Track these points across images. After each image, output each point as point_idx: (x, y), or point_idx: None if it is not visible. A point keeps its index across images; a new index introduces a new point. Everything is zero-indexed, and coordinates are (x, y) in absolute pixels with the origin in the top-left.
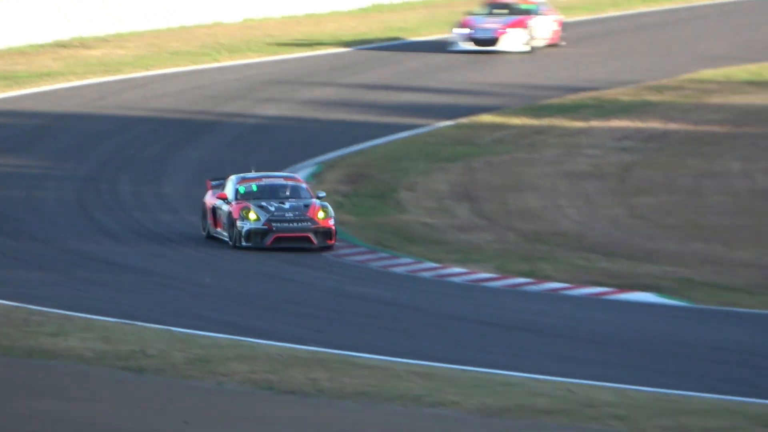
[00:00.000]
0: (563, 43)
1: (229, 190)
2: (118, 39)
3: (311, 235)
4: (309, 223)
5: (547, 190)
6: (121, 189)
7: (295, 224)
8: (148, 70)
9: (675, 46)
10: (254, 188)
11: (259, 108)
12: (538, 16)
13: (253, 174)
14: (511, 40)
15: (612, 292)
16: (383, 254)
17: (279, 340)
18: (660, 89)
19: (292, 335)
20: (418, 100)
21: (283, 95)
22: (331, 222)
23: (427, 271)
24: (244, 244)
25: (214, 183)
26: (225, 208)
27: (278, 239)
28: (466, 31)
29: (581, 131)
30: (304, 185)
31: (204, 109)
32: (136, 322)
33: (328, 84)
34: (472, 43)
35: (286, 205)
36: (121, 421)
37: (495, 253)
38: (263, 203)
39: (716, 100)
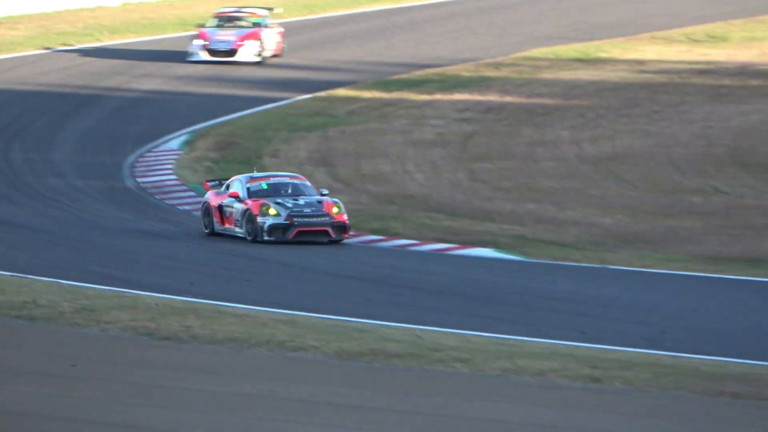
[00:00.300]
0: (286, 53)
1: (238, 189)
2: (10, 21)
3: (330, 229)
4: (327, 218)
5: (396, 156)
6: (14, 156)
7: (314, 219)
8: (37, 49)
9: (509, 27)
10: (264, 186)
11: (137, 83)
12: (267, 29)
13: (259, 174)
14: (247, 52)
15: (455, 248)
16: None
17: (157, 292)
18: (497, 66)
19: (169, 287)
20: (280, 76)
21: (158, 71)
22: (345, 217)
23: None
24: (266, 238)
25: (211, 183)
26: (238, 206)
27: (300, 233)
28: (203, 42)
29: (427, 104)
30: (308, 183)
31: (88, 84)
32: (28, 276)
33: (200, 61)
34: (208, 53)
35: (301, 201)
36: (15, 364)
37: (350, 213)
38: (279, 200)
39: (547, 75)
